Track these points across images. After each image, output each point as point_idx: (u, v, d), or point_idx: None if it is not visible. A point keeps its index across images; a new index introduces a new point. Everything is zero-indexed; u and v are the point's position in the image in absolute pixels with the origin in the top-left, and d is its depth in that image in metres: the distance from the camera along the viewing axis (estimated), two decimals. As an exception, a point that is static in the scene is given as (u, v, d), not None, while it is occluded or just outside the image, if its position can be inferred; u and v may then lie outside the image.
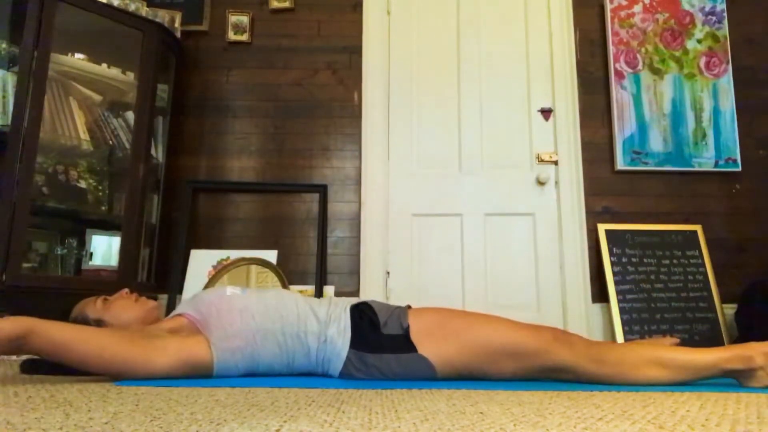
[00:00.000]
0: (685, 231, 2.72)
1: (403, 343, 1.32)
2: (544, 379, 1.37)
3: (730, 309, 2.58)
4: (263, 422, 0.72)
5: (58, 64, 2.39)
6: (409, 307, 1.45)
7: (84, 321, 1.39)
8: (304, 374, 1.39)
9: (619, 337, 2.51)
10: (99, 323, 1.37)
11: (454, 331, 1.32)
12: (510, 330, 1.31)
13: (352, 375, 1.33)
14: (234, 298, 1.37)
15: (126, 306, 1.41)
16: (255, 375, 1.34)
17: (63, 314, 1.42)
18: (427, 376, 1.32)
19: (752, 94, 2.89)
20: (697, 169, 2.80)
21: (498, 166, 2.83)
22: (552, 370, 1.30)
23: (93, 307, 1.41)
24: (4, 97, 2.24)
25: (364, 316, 1.37)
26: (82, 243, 2.43)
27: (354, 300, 1.43)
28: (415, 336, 1.32)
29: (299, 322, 1.34)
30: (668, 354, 1.27)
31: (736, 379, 1.28)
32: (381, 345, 1.32)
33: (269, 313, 1.34)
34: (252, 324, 1.31)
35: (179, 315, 1.36)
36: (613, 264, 2.64)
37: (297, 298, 1.41)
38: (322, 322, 1.36)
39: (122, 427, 0.68)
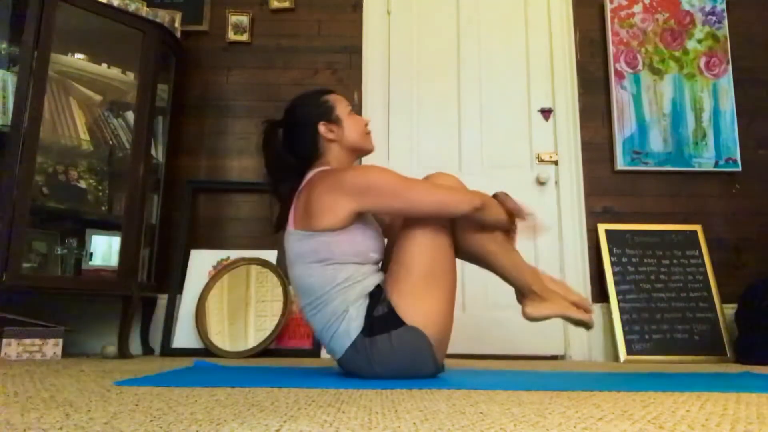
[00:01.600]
0: (685, 231, 2.72)
1: (391, 318, 1.35)
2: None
3: (730, 309, 2.58)
4: (263, 422, 0.72)
5: (58, 64, 2.39)
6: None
7: (329, 108, 1.55)
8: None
9: (620, 336, 2.51)
10: (337, 119, 1.55)
11: (421, 278, 1.39)
12: (435, 232, 1.43)
13: (350, 358, 1.37)
14: (361, 256, 1.43)
15: (359, 131, 1.57)
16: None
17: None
18: (421, 346, 1.35)
19: (752, 94, 2.89)
20: (697, 169, 2.80)
21: (498, 166, 2.83)
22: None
23: (343, 107, 1.58)
24: (4, 97, 2.24)
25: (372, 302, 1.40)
26: (82, 243, 2.43)
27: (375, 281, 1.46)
28: (399, 307, 1.36)
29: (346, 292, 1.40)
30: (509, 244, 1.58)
31: (521, 299, 1.61)
32: (374, 328, 1.35)
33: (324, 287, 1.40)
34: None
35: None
36: (613, 264, 2.64)
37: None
38: (349, 300, 1.39)
39: (122, 427, 0.68)
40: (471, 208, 1.39)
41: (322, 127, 1.53)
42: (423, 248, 1.41)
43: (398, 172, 1.42)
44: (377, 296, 1.39)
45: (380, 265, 1.52)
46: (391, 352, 1.34)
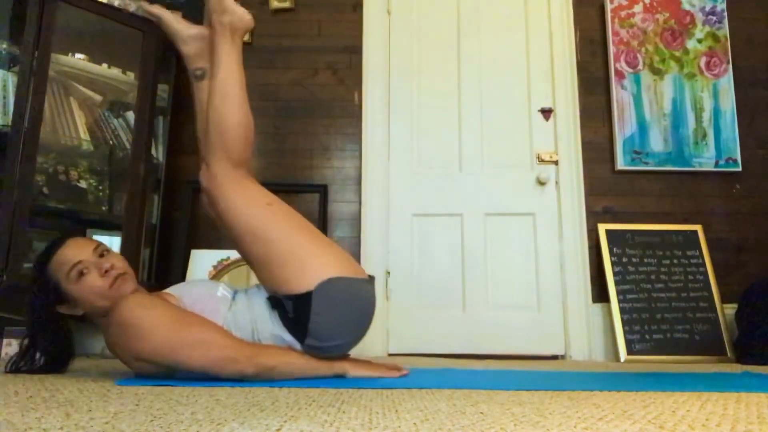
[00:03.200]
0: (685, 231, 2.72)
1: (301, 302, 1.28)
2: None
3: (730, 309, 2.58)
4: (264, 422, 0.72)
5: (58, 64, 2.39)
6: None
7: (54, 289, 1.28)
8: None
9: (620, 336, 2.51)
10: (67, 296, 1.29)
11: (281, 262, 1.31)
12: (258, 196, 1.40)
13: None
14: (222, 301, 1.35)
15: (97, 293, 1.27)
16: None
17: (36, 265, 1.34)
18: (347, 287, 1.30)
19: (752, 94, 2.89)
20: (697, 169, 2.80)
21: (498, 166, 2.83)
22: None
23: (65, 278, 1.28)
24: (4, 97, 2.24)
25: (279, 308, 1.34)
26: (83, 243, 2.42)
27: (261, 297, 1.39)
28: (298, 287, 1.28)
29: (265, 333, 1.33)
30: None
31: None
32: (300, 326, 1.28)
33: (245, 326, 1.32)
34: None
35: (170, 295, 1.35)
36: (613, 264, 2.64)
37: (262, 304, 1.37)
38: (271, 320, 1.33)
39: (123, 427, 0.68)
40: (238, 373, 1.21)
41: (63, 308, 1.31)
42: (259, 236, 1.32)
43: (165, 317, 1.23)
44: (278, 302, 1.32)
45: (233, 295, 1.41)
46: (332, 320, 1.28)
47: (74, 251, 1.30)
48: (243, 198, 1.37)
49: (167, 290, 1.38)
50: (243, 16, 1.52)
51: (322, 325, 1.28)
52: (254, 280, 2.56)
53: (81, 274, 1.27)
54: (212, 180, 1.38)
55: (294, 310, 1.29)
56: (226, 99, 1.46)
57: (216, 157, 1.39)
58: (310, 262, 1.31)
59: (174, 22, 1.58)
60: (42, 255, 1.33)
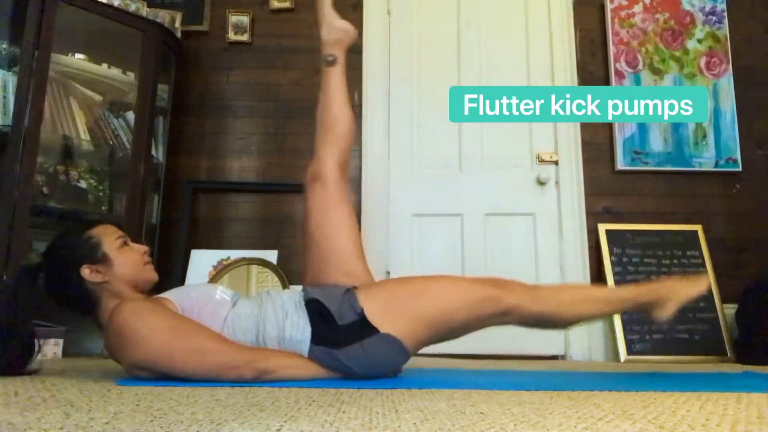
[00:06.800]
0: (685, 231, 2.72)
1: (363, 327, 1.26)
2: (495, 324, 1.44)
3: (731, 309, 2.58)
4: (264, 422, 0.72)
5: (58, 64, 2.38)
6: (354, 288, 1.38)
7: (93, 246, 1.31)
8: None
9: (620, 336, 2.51)
10: (103, 258, 1.31)
11: (408, 300, 1.32)
12: (459, 287, 1.40)
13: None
14: (221, 304, 1.33)
15: (134, 265, 1.34)
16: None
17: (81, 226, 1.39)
18: (397, 355, 1.28)
19: (752, 94, 2.89)
20: (697, 169, 2.79)
21: (498, 166, 2.83)
22: (501, 314, 1.38)
23: (112, 241, 1.33)
24: (4, 97, 2.24)
25: (314, 311, 1.31)
26: (83, 243, 2.42)
27: (298, 291, 1.38)
28: (372, 316, 1.27)
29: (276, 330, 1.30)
30: (595, 291, 1.58)
31: (648, 311, 1.42)
32: (342, 338, 1.26)
33: (249, 329, 1.29)
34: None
35: (168, 299, 1.32)
36: (613, 264, 2.64)
37: (271, 304, 1.35)
38: (279, 323, 1.30)
39: (123, 427, 0.68)
40: (238, 377, 1.19)
41: (86, 271, 1.29)
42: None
43: (168, 322, 1.21)
44: (314, 306, 1.29)
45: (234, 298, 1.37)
46: (363, 361, 1.26)
47: (112, 230, 1.39)
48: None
49: (164, 294, 1.36)
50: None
51: (359, 355, 1.25)
52: (254, 281, 2.56)
53: (125, 243, 1.36)
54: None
55: (349, 324, 1.27)
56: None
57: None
58: (410, 322, 1.31)
59: (327, 5, 1.65)
60: (80, 225, 1.42)
